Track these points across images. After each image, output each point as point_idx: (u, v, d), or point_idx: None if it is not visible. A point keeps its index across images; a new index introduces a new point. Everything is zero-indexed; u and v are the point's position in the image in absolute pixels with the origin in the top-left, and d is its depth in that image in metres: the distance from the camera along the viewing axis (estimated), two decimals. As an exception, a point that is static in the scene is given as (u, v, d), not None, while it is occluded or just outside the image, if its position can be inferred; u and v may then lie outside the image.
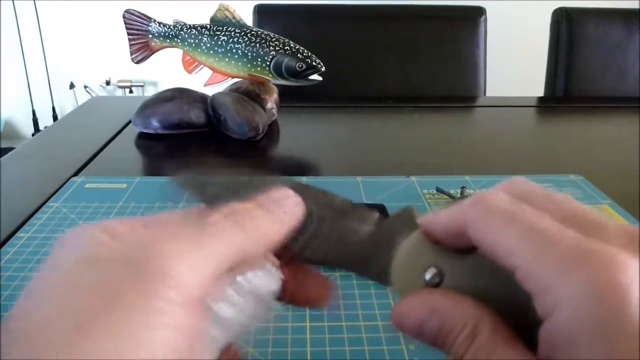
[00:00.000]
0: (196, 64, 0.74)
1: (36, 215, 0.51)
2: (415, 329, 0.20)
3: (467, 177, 0.60)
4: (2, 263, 0.43)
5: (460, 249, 0.21)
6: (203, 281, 0.18)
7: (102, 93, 2.49)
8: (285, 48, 0.69)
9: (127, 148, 0.72)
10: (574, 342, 0.16)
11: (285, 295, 0.24)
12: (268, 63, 0.70)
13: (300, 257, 0.23)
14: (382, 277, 0.22)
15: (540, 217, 0.18)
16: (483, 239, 0.19)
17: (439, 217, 0.21)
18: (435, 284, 0.20)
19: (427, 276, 0.21)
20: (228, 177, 0.24)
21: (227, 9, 0.72)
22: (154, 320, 0.16)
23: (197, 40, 0.72)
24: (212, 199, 0.22)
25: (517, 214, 0.19)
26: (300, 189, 0.23)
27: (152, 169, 0.69)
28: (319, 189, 0.24)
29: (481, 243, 0.19)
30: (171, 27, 0.74)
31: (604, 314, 0.15)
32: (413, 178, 0.60)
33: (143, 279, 0.17)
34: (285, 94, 0.83)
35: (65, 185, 0.58)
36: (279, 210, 0.22)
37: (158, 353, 0.16)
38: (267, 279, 0.22)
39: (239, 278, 0.21)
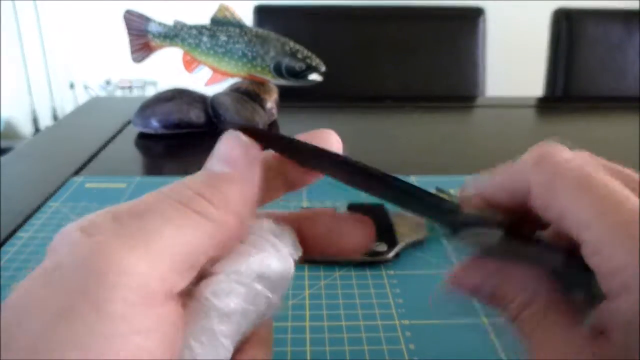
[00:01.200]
0: (196, 63, 0.74)
1: (36, 215, 0.51)
2: (470, 290, 0.20)
3: (467, 177, 0.60)
4: (2, 263, 0.43)
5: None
6: (166, 273, 0.16)
7: (102, 93, 2.49)
8: (285, 48, 0.69)
9: (127, 148, 0.72)
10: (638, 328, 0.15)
11: (314, 249, 0.22)
12: (268, 63, 0.70)
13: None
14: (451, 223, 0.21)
15: (617, 185, 0.17)
16: (549, 207, 0.18)
17: (495, 181, 0.20)
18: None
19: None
20: None
21: (227, 9, 0.72)
22: (113, 328, 0.14)
23: (197, 40, 0.72)
24: None
25: (588, 180, 0.17)
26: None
27: (152, 168, 0.69)
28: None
29: (547, 210, 0.18)
30: (171, 27, 0.74)
31: None
32: (413, 178, 0.60)
33: (93, 284, 0.15)
34: (285, 94, 0.83)
35: (65, 185, 0.58)
36: (230, 175, 0.19)
37: None
38: (273, 257, 0.20)
39: (236, 266, 0.19)
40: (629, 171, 0.19)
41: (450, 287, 0.21)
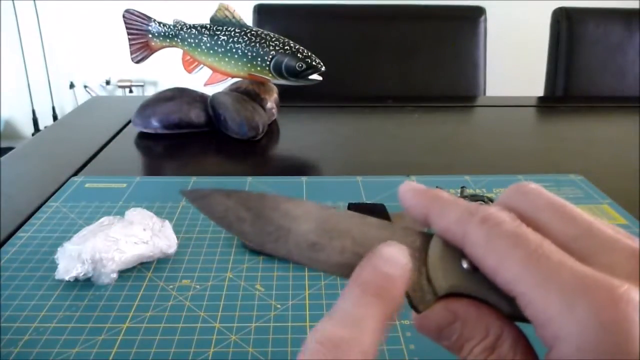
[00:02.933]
0: (196, 63, 0.74)
1: (36, 215, 0.51)
2: (435, 332, 0.20)
3: (467, 177, 0.60)
4: (2, 263, 0.43)
5: None
6: None
7: (102, 93, 2.49)
8: (285, 48, 0.69)
9: (127, 148, 0.72)
10: None
11: None
12: (268, 63, 0.70)
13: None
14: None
15: (543, 242, 0.18)
16: (484, 261, 0.19)
17: (440, 220, 0.21)
18: (472, 271, 0.20)
19: (464, 264, 0.20)
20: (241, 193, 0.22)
21: (227, 9, 0.72)
22: None
23: (197, 40, 0.72)
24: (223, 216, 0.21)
25: (520, 238, 0.18)
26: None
27: (152, 168, 0.69)
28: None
29: (481, 264, 0.19)
30: (171, 27, 0.74)
31: (608, 350, 0.15)
32: (413, 178, 0.60)
33: None
34: (285, 94, 0.83)
35: (65, 185, 0.58)
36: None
37: None
38: None
39: None
40: (571, 211, 0.20)
41: (418, 329, 0.21)
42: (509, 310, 0.19)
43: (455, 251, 0.20)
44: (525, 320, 0.18)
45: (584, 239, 0.18)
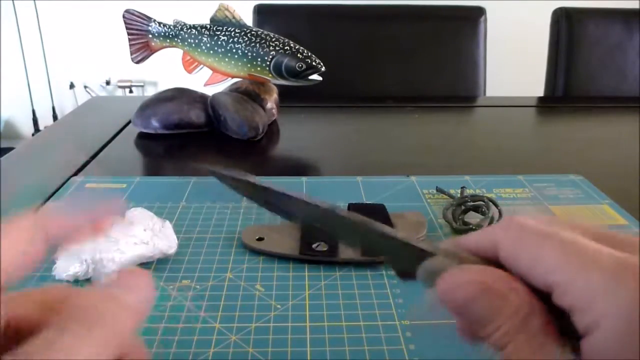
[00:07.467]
0: (196, 64, 0.74)
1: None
2: (461, 305, 0.19)
3: (467, 177, 0.60)
4: (2, 263, 0.43)
5: None
6: None
7: (102, 93, 2.49)
8: (285, 48, 0.69)
9: (127, 148, 0.72)
10: (620, 357, 0.16)
11: None
12: (268, 63, 0.70)
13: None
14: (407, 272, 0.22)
15: (576, 234, 0.18)
16: (518, 259, 0.19)
17: (468, 240, 0.21)
18: None
19: None
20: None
21: (227, 9, 0.72)
22: None
23: (197, 40, 0.72)
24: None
25: (552, 233, 0.18)
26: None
27: (152, 169, 0.69)
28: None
29: (515, 264, 0.19)
30: (171, 27, 0.74)
31: None
32: (413, 178, 0.60)
33: None
34: (285, 94, 0.83)
35: (65, 185, 0.58)
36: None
37: None
38: None
39: None
40: (588, 225, 0.20)
41: (441, 297, 0.20)
42: None
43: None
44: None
45: (606, 238, 0.19)
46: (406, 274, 0.22)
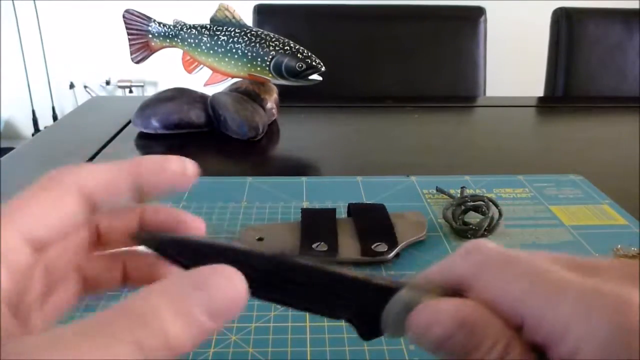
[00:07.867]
0: (196, 64, 0.74)
1: (36, 215, 0.51)
2: (438, 342, 0.18)
3: (467, 177, 0.60)
4: (2, 263, 0.43)
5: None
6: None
7: (102, 93, 2.49)
8: (285, 48, 0.69)
9: (127, 148, 0.72)
10: None
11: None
12: (268, 63, 0.70)
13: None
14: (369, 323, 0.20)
15: (538, 261, 0.18)
16: (483, 290, 0.18)
17: (431, 273, 0.20)
18: None
19: None
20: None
21: (227, 9, 0.72)
22: None
23: (197, 40, 0.72)
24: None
25: (513, 260, 0.18)
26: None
27: (152, 169, 0.69)
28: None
29: (481, 295, 0.18)
30: (171, 27, 0.74)
31: (626, 350, 0.15)
32: (413, 178, 0.60)
33: None
34: (285, 94, 0.83)
35: (65, 185, 0.58)
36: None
37: None
38: None
39: None
40: (538, 253, 0.19)
41: (415, 335, 0.19)
42: None
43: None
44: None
45: (569, 262, 0.18)
46: (371, 329, 0.20)
